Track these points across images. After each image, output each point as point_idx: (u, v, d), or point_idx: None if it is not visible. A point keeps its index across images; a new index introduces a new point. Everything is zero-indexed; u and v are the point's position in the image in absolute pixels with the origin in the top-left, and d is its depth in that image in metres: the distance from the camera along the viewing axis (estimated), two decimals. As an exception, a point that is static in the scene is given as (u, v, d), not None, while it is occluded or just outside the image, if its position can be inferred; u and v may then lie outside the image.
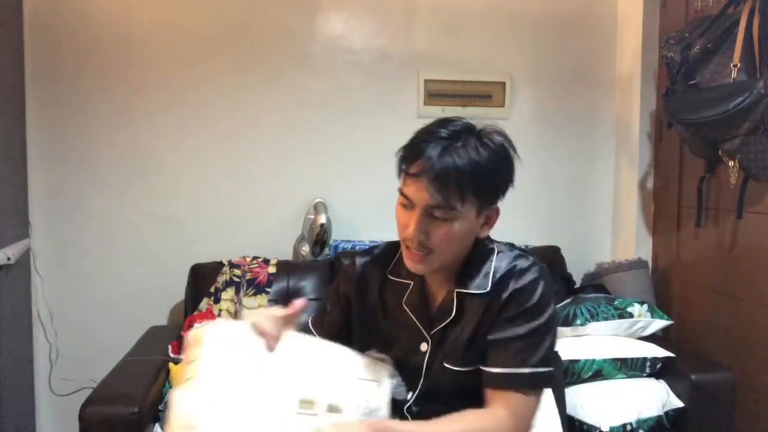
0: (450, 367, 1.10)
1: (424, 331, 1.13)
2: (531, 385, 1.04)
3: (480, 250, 1.12)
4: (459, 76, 2.56)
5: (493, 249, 1.13)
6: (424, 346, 1.12)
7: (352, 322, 1.22)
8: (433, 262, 1.07)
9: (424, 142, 1.02)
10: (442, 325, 1.11)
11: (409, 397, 1.13)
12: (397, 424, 0.98)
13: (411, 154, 1.03)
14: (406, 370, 1.14)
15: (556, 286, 2.05)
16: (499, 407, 1.03)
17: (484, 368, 1.06)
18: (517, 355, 1.04)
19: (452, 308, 1.10)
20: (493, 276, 1.09)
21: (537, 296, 1.06)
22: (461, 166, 1.00)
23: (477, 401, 1.08)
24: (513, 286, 1.07)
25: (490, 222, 1.09)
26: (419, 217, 1.03)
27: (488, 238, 1.14)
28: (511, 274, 1.08)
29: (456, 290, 1.10)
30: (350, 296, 1.21)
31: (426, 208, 1.02)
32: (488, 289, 1.08)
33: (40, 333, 2.37)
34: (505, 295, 1.06)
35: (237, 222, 2.46)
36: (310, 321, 1.26)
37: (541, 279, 1.07)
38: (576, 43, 2.63)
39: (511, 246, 1.16)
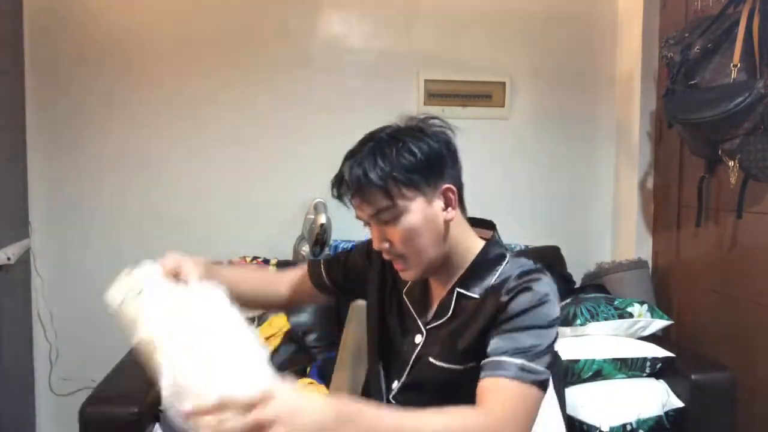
0: (434, 362, 1.09)
1: (420, 324, 1.14)
2: (530, 379, 0.96)
3: (490, 255, 1.12)
4: (459, 76, 2.56)
5: (504, 255, 1.12)
6: (418, 338, 1.14)
7: (365, 289, 1.26)
8: (415, 265, 1.08)
9: (340, 167, 1.09)
10: (438, 322, 1.12)
11: (394, 386, 1.15)
12: (369, 408, 0.87)
13: (334, 181, 1.10)
14: (395, 358, 1.16)
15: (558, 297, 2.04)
16: (492, 401, 0.95)
17: (483, 361, 1.01)
18: (518, 347, 0.98)
19: (450, 307, 1.10)
20: (493, 283, 1.08)
21: (537, 298, 1.02)
22: (370, 168, 1.03)
23: (460, 400, 1.03)
24: (506, 293, 1.04)
25: (450, 202, 1.07)
26: (374, 228, 1.08)
27: (500, 244, 1.15)
28: (508, 282, 1.06)
29: (457, 290, 1.10)
30: (372, 265, 1.25)
31: (372, 218, 1.06)
32: (484, 294, 1.08)
33: (40, 333, 2.37)
34: (504, 298, 1.04)
35: (237, 222, 2.46)
36: (322, 258, 1.31)
37: (536, 285, 1.04)
38: (576, 43, 2.63)
39: (522, 255, 1.15)
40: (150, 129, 2.39)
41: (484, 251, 1.12)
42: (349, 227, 2.47)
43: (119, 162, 2.38)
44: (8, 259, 2.00)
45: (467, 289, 1.09)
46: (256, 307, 1.43)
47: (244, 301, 1.12)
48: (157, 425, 1.73)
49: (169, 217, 2.41)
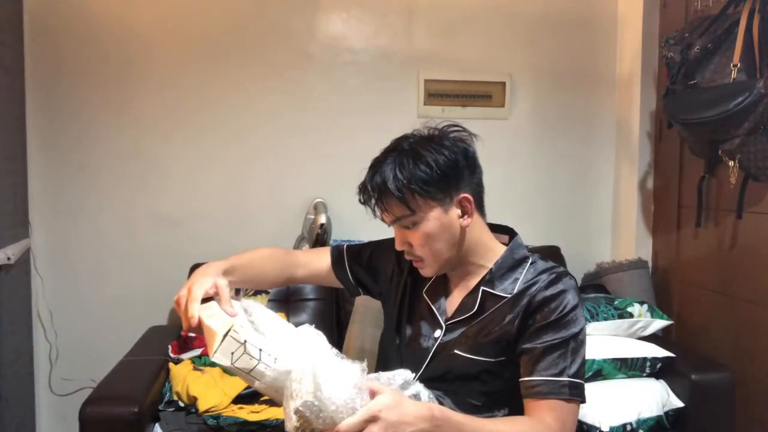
0: (462, 354, 1.14)
1: (440, 320, 1.19)
2: (572, 395, 1.06)
3: (514, 257, 1.17)
4: (459, 76, 2.56)
5: (527, 258, 1.18)
6: (437, 333, 1.18)
7: (382, 287, 1.31)
8: (431, 265, 1.16)
9: (366, 174, 1.15)
10: (460, 318, 1.16)
11: (411, 378, 1.17)
12: (456, 414, 0.97)
13: (359, 188, 1.16)
14: (415, 351, 1.19)
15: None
16: (546, 416, 1.04)
17: (523, 378, 1.09)
18: (555, 364, 1.06)
19: (474, 304, 1.15)
20: (522, 283, 1.13)
21: (565, 307, 1.09)
22: (389, 179, 1.09)
23: (481, 390, 1.12)
24: (540, 295, 1.10)
25: (466, 211, 1.14)
26: (396, 231, 1.17)
27: (523, 245, 1.20)
28: (539, 283, 1.12)
29: (482, 288, 1.16)
30: (400, 269, 1.29)
31: (393, 223, 1.14)
32: (513, 293, 1.13)
33: (40, 333, 2.38)
34: (531, 302, 1.10)
35: (237, 222, 2.46)
36: (345, 247, 1.36)
37: (569, 291, 1.11)
38: (576, 43, 2.63)
39: (546, 259, 1.20)
40: (150, 129, 2.39)
41: (509, 252, 1.17)
42: (349, 227, 2.48)
43: (119, 162, 2.38)
44: (8, 259, 2.00)
45: (493, 288, 1.15)
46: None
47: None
48: (157, 425, 1.74)
49: (170, 218, 2.41)
